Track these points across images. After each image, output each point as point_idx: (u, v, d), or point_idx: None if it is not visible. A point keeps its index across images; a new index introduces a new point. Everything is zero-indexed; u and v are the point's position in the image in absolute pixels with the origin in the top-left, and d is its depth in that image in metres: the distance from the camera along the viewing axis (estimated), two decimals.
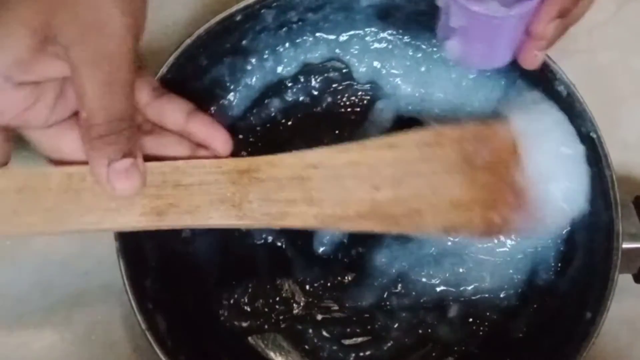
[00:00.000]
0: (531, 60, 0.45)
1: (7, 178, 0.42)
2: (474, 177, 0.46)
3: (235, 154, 0.46)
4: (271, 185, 0.44)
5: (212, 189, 0.43)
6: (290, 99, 0.57)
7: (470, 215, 0.45)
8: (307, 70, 0.56)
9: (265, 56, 0.54)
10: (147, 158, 0.43)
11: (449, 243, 0.53)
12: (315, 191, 0.44)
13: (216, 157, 0.45)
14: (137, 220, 0.42)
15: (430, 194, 0.45)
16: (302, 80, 0.57)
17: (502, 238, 0.52)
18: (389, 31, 0.55)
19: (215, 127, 0.45)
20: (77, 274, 0.55)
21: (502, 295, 0.53)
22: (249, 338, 0.54)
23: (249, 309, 0.54)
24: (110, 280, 0.47)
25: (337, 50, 0.56)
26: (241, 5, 0.50)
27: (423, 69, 0.55)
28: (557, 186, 0.46)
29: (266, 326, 0.54)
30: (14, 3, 0.38)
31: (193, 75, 0.51)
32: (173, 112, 0.45)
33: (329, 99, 0.57)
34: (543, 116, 0.48)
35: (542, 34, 0.42)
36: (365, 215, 0.44)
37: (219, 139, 0.45)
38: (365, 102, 0.57)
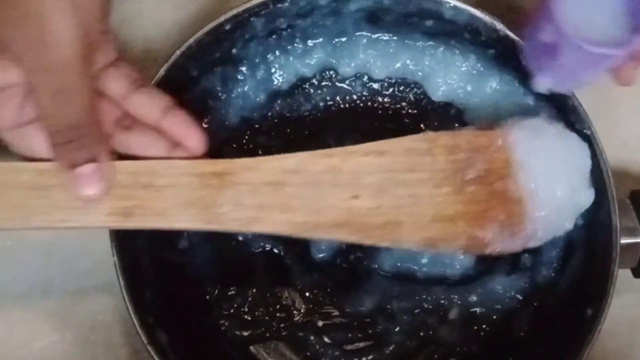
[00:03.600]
0: (628, 79, 0.46)
1: None
2: (463, 189, 0.44)
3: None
4: (245, 189, 0.43)
5: (183, 192, 0.42)
6: (284, 106, 0.57)
7: (453, 230, 0.43)
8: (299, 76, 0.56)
9: (256, 65, 0.54)
10: (124, 156, 0.43)
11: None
12: (290, 197, 0.43)
13: (193, 157, 0.43)
14: (103, 220, 0.42)
15: (412, 205, 0.43)
16: (294, 85, 0.57)
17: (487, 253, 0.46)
18: (379, 35, 0.55)
19: (190, 124, 0.43)
20: (77, 273, 0.55)
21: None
22: (251, 347, 0.54)
23: (249, 318, 0.54)
24: (110, 280, 0.47)
25: (329, 59, 0.56)
26: (229, 14, 0.50)
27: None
28: (554, 202, 0.44)
29: (267, 334, 0.54)
30: None
31: (184, 87, 0.51)
32: (148, 106, 0.44)
33: (321, 104, 0.57)
34: (543, 127, 0.46)
35: None
36: (340, 224, 0.43)
37: (193, 138, 0.43)
38: (359, 102, 0.57)
